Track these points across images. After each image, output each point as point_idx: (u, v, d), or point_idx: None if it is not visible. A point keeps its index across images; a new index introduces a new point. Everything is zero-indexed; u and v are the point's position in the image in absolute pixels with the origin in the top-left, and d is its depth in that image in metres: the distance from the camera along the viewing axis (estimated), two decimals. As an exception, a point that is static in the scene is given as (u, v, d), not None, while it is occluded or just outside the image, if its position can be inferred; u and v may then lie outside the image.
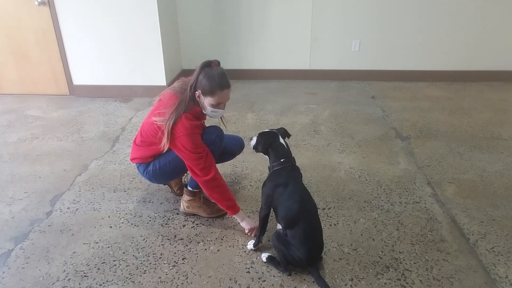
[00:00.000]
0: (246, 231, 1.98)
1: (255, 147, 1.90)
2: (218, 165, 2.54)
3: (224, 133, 2.11)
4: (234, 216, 1.99)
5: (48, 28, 4.04)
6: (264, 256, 1.81)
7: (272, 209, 1.82)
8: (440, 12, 4.43)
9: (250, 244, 1.89)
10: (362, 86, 4.61)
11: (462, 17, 4.44)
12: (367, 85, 4.62)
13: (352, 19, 4.55)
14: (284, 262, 1.71)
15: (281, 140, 1.86)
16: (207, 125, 2.11)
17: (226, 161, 2.49)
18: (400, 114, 3.69)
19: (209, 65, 1.86)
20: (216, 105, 1.89)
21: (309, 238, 1.67)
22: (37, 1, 3.90)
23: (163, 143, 1.85)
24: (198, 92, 1.87)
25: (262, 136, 1.87)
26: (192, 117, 1.88)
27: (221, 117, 2.10)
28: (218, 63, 1.90)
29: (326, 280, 1.68)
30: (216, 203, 1.99)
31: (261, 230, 1.86)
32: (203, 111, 1.94)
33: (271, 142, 1.84)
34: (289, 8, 4.53)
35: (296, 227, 1.68)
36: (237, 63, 4.87)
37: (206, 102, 1.88)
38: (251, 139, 1.93)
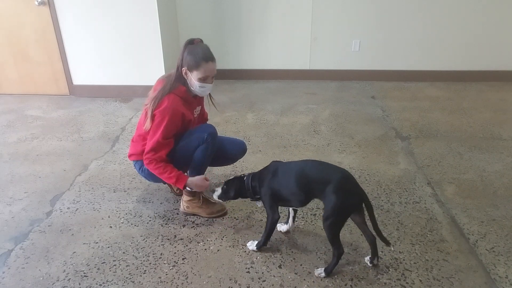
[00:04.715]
0: (198, 189, 1.99)
1: (223, 197, 1.91)
2: (218, 167, 2.55)
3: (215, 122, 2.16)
4: (186, 186, 1.96)
5: (48, 28, 4.04)
6: (321, 273, 1.70)
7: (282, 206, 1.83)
8: (440, 12, 4.43)
9: (252, 245, 1.88)
10: (362, 86, 4.61)
11: (462, 17, 4.44)
12: (367, 85, 4.62)
13: (352, 19, 4.55)
14: (336, 242, 1.64)
15: (244, 176, 1.89)
16: (200, 118, 2.15)
17: (226, 165, 2.48)
18: (400, 114, 3.69)
19: (192, 42, 1.91)
20: (203, 79, 1.92)
21: (326, 169, 1.68)
22: (37, 1, 3.90)
23: (147, 123, 1.90)
24: (184, 69, 1.91)
25: (229, 184, 1.89)
26: (177, 99, 1.91)
27: (210, 98, 2.15)
28: (201, 40, 1.94)
29: (326, 281, 1.68)
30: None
31: (268, 235, 1.83)
32: (191, 88, 1.96)
33: (237, 185, 1.86)
34: (289, 8, 4.53)
35: (313, 181, 1.65)
36: (237, 63, 4.87)
37: (193, 77, 1.91)
38: (214, 191, 1.93)
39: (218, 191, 1.91)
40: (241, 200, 2.28)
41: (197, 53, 1.87)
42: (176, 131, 1.95)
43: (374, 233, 1.69)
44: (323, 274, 1.70)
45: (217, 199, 1.94)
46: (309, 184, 1.67)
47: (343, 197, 1.58)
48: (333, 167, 1.69)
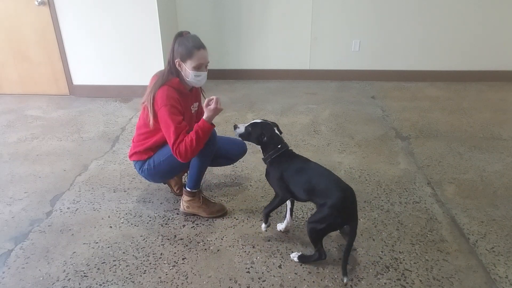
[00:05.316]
0: (214, 107, 1.86)
1: (243, 135, 1.86)
2: (218, 167, 2.55)
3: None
4: (211, 124, 1.89)
5: (48, 28, 4.05)
6: (294, 256, 1.80)
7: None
8: (440, 12, 4.43)
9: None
10: (362, 86, 4.61)
11: (462, 17, 4.44)
12: (367, 85, 4.62)
13: (352, 19, 4.55)
14: (319, 247, 1.71)
15: (276, 131, 1.85)
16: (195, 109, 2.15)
17: (226, 165, 2.47)
18: (400, 114, 3.69)
19: (181, 35, 1.93)
20: (198, 68, 1.92)
21: (334, 183, 1.70)
22: (37, 1, 3.90)
23: (150, 119, 1.90)
24: (177, 61, 1.92)
25: (257, 127, 1.83)
26: (170, 88, 1.91)
27: (201, 92, 2.16)
28: (189, 32, 1.96)
29: (326, 281, 1.68)
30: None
31: (272, 209, 1.85)
32: (187, 79, 1.96)
33: (267, 133, 1.82)
34: (289, 8, 4.53)
35: (320, 190, 1.69)
36: (237, 63, 4.87)
37: (187, 67, 1.91)
38: (236, 127, 1.87)
39: (241, 129, 1.85)
40: (241, 200, 2.29)
41: (188, 42, 1.89)
42: (181, 112, 1.92)
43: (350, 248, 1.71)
44: (296, 259, 1.79)
45: (236, 136, 1.87)
46: (313, 190, 1.71)
47: (333, 214, 1.64)
48: (340, 184, 1.71)
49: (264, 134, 1.81)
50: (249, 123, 1.86)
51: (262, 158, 1.87)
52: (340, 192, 1.67)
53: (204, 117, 1.88)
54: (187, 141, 1.84)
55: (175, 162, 1.97)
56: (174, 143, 1.85)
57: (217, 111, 1.86)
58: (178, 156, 1.87)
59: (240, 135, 1.87)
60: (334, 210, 1.64)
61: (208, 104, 1.85)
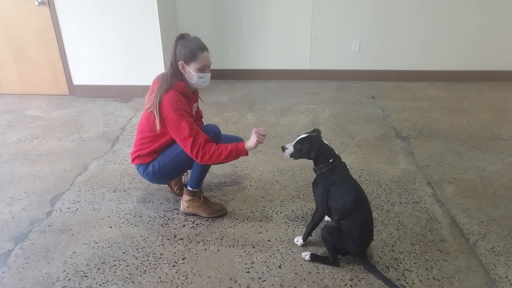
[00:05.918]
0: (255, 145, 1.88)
1: (294, 155, 1.81)
2: (217, 167, 2.56)
3: (219, 127, 2.11)
4: (248, 151, 1.89)
5: (48, 28, 4.05)
6: (306, 255, 1.81)
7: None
8: (440, 12, 4.43)
9: (299, 240, 1.91)
10: (362, 86, 4.61)
11: (462, 17, 4.44)
12: (367, 85, 4.62)
13: (352, 19, 4.55)
14: (334, 254, 1.76)
15: (324, 141, 1.81)
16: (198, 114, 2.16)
17: (223, 163, 2.47)
18: (400, 114, 3.69)
19: (183, 37, 1.93)
20: (202, 69, 1.92)
21: (365, 227, 1.73)
22: (37, 1, 3.90)
23: (157, 125, 1.88)
24: (181, 63, 1.91)
25: (304, 142, 1.78)
26: (177, 93, 1.89)
27: (199, 96, 2.16)
28: (189, 34, 1.95)
29: (326, 281, 1.68)
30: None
31: (312, 228, 1.87)
32: (190, 81, 1.95)
33: (317, 147, 1.77)
34: (289, 8, 4.53)
35: (352, 217, 1.71)
36: (237, 63, 4.87)
37: (191, 69, 1.91)
38: (284, 148, 1.82)
39: (290, 149, 1.80)
40: (241, 200, 2.29)
41: (191, 45, 1.89)
42: (190, 115, 1.91)
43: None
44: (308, 257, 1.80)
45: (287, 157, 1.83)
46: (349, 215, 1.72)
47: (346, 247, 1.73)
48: (370, 230, 1.77)
49: (314, 149, 1.76)
50: (295, 141, 1.81)
51: (313, 169, 1.83)
52: (364, 241, 1.75)
53: (246, 143, 1.86)
54: (215, 152, 1.84)
55: (180, 162, 1.97)
56: (194, 144, 1.83)
57: (262, 141, 1.88)
58: (198, 158, 1.86)
59: (291, 155, 1.81)
60: (348, 247, 1.73)
61: (255, 139, 1.85)
